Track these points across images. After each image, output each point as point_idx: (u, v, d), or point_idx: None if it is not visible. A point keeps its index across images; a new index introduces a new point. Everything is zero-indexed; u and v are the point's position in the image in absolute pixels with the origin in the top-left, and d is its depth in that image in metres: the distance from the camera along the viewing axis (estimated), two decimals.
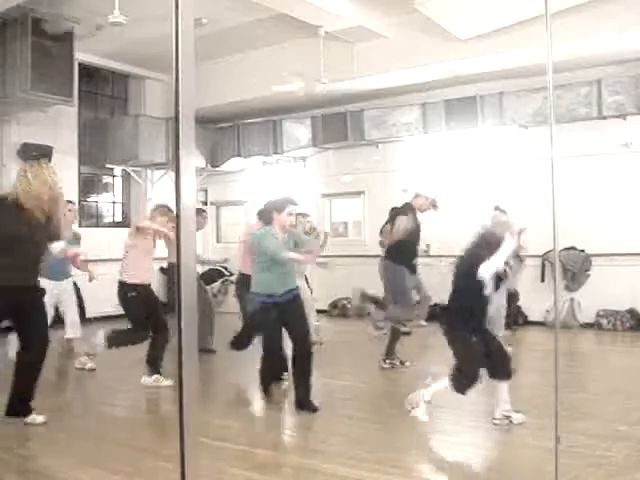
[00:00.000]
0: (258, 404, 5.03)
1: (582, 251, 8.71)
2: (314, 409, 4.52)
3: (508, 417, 4.11)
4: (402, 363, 6.12)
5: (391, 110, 9.91)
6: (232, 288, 11.16)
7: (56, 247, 4.45)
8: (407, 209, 6.20)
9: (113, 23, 6.59)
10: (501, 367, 4.09)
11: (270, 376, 4.96)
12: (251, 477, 3.41)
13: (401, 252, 6.02)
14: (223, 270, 11.36)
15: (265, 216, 4.92)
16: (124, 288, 5.44)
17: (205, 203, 12.04)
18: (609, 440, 3.77)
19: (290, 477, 3.50)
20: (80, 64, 9.71)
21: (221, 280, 11.31)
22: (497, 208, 6.64)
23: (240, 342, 5.95)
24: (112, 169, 11.25)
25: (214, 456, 3.54)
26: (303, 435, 4.28)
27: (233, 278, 11.23)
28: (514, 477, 3.35)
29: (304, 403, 4.57)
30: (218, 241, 11.42)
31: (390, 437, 4.02)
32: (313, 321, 7.60)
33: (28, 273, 4.22)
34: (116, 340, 5.57)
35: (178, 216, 1.22)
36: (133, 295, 5.39)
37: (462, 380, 4.03)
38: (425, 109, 9.64)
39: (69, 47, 8.48)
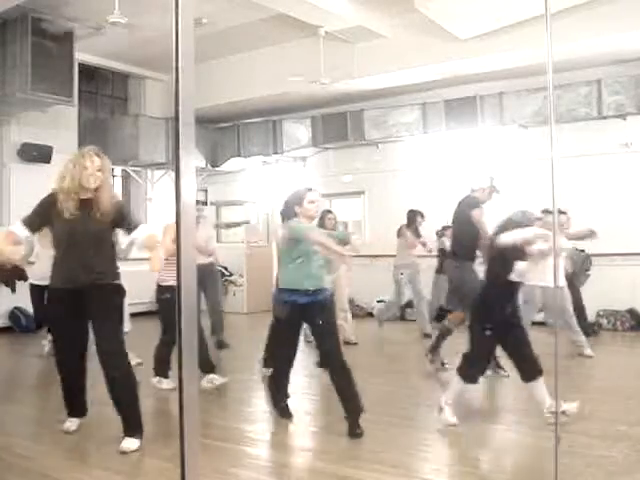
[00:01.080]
0: (259, 404, 5.03)
1: (582, 251, 8.70)
2: (359, 434, 3.94)
3: (562, 412, 3.92)
4: (442, 364, 5.98)
5: (391, 110, 9.92)
6: (232, 288, 11.23)
7: (138, 235, 3.87)
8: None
9: (113, 23, 6.60)
10: (526, 368, 4.01)
11: (279, 392, 4.41)
12: (251, 477, 3.41)
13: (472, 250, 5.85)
14: (223, 270, 11.37)
15: (288, 214, 4.51)
16: (158, 290, 5.36)
17: (205, 203, 12.04)
18: (609, 440, 3.77)
19: (290, 477, 3.50)
20: (80, 64, 9.70)
21: (221, 280, 11.32)
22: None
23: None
24: (112, 169, 11.22)
25: (214, 456, 3.54)
26: (303, 435, 4.28)
27: (233, 278, 11.26)
28: (514, 477, 3.35)
29: (353, 426, 3.97)
30: (218, 241, 11.41)
31: (390, 437, 4.01)
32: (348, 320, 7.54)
33: (88, 270, 3.73)
34: (160, 365, 5.35)
35: (178, 215, 1.21)
36: (166, 297, 5.20)
37: (469, 370, 4.05)
38: (425, 109, 9.65)
39: (69, 47, 8.49)
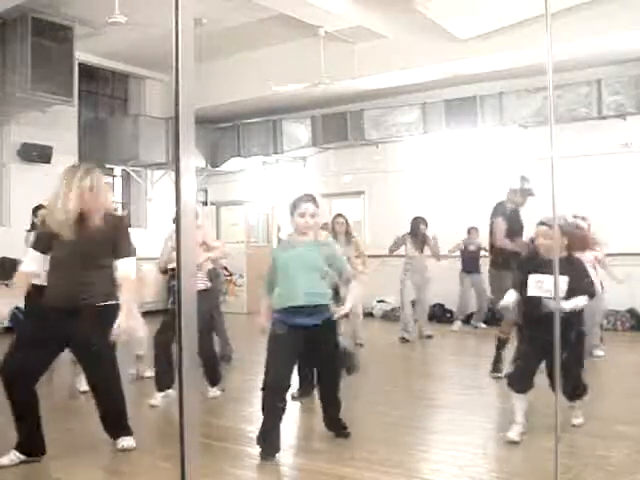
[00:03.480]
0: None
1: None
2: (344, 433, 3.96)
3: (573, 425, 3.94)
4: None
5: (391, 110, 9.92)
6: (232, 288, 11.23)
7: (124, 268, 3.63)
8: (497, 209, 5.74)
9: (113, 23, 6.60)
10: (563, 385, 3.67)
11: (267, 427, 3.63)
12: (251, 477, 3.41)
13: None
14: (223, 271, 11.36)
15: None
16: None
17: (205, 203, 12.04)
18: (609, 440, 3.77)
19: (290, 477, 3.50)
20: (80, 64, 9.72)
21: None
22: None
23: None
24: (112, 169, 11.25)
25: (214, 456, 3.54)
26: (303, 435, 4.28)
27: (233, 278, 11.27)
28: (514, 477, 3.35)
29: (332, 425, 4.01)
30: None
31: (390, 437, 4.02)
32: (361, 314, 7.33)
33: (75, 289, 3.51)
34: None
35: (178, 216, 1.21)
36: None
37: (515, 377, 3.91)
38: (425, 109, 9.65)
39: (69, 47, 8.51)
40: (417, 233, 7.90)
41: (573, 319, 3.74)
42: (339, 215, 7.15)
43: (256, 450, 3.64)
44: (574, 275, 3.71)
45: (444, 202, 9.60)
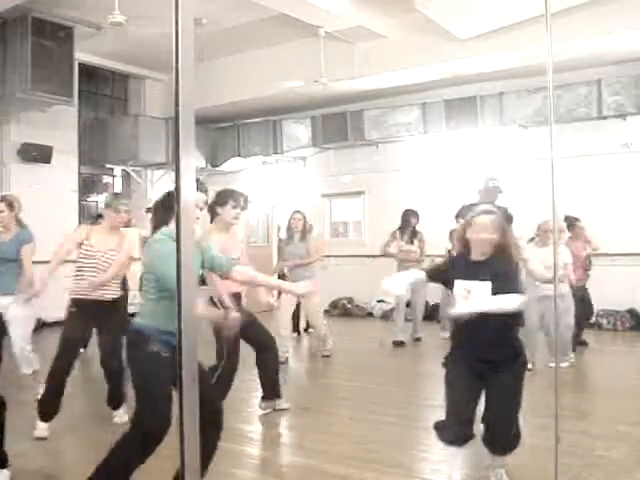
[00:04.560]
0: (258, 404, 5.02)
1: None
2: None
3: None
4: None
5: (391, 110, 9.92)
6: None
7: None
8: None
9: (113, 23, 6.59)
10: (492, 434, 3.03)
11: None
12: (251, 477, 3.41)
13: None
14: None
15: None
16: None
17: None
18: (609, 440, 3.77)
19: (290, 477, 3.50)
20: (80, 64, 9.72)
21: None
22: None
23: None
24: (112, 169, 11.26)
25: (214, 456, 3.54)
26: (303, 435, 4.28)
27: None
28: (514, 477, 3.35)
29: None
30: None
31: (390, 437, 4.02)
32: (322, 324, 6.87)
33: None
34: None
35: (178, 216, 1.21)
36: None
37: (445, 427, 3.03)
38: (425, 109, 9.66)
39: (69, 47, 8.50)
40: (407, 226, 7.66)
41: (509, 335, 3.04)
42: (297, 212, 6.81)
43: (256, 450, 3.65)
44: (501, 279, 2.92)
45: (444, 202, 9.58)
